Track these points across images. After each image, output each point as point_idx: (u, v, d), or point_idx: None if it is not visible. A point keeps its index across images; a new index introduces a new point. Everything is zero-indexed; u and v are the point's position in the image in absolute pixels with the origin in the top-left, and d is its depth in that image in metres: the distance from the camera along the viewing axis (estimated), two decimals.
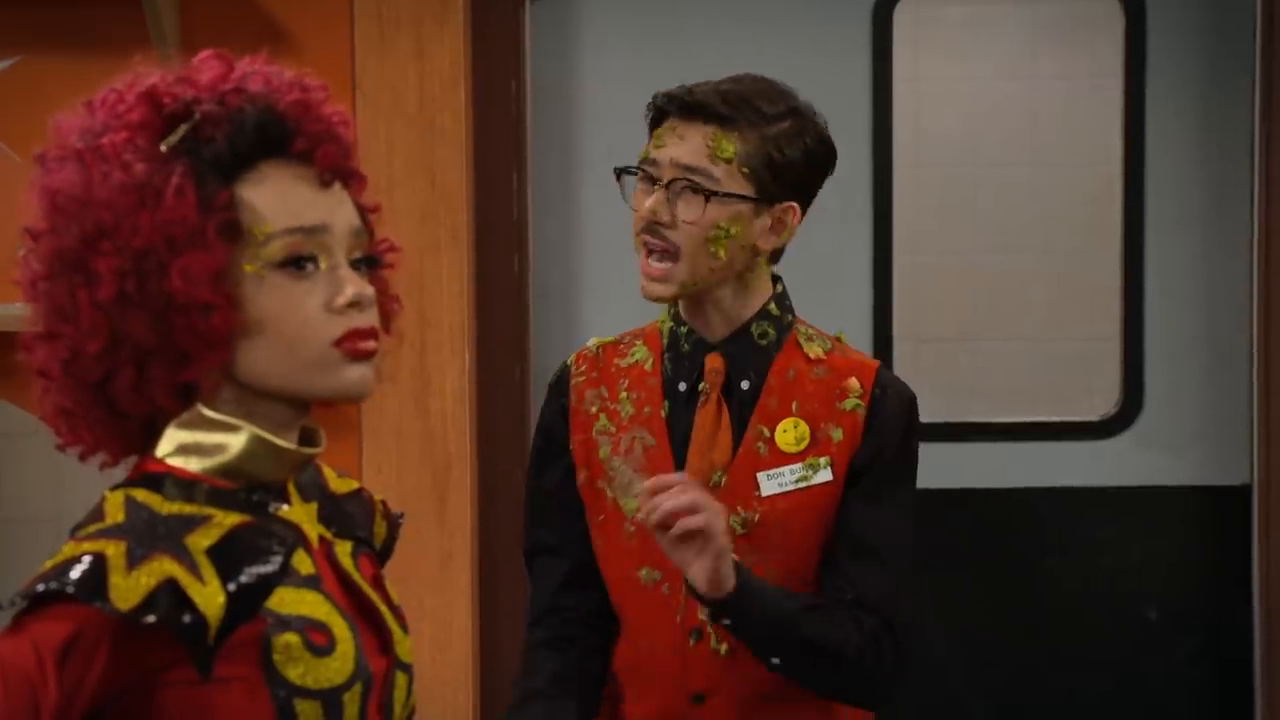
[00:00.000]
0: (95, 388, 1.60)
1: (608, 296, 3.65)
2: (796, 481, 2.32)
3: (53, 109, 3.50)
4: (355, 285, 1.61)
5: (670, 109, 2.33)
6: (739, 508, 2.31)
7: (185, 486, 1.60)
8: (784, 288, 2.41)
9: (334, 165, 1.62)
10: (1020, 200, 3.89)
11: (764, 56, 3.65)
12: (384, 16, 3.45)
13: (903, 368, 3.69)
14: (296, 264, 1.59)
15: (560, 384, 2.45)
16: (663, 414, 2.37)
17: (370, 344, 1.61)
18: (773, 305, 2.38)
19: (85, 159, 1.58)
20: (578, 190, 3.68)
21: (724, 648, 2.33)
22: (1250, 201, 3.65)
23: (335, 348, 1.60)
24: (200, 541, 1.57)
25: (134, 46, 3.30)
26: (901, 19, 3.69)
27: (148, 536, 1.54)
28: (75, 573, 1.51)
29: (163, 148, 1.57)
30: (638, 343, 2.43)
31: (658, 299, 2.35)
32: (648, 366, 2.40)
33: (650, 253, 2.32)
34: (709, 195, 2.29)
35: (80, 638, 1.51)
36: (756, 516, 2.32)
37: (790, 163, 2.33)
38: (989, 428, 3.75)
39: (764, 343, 2.37)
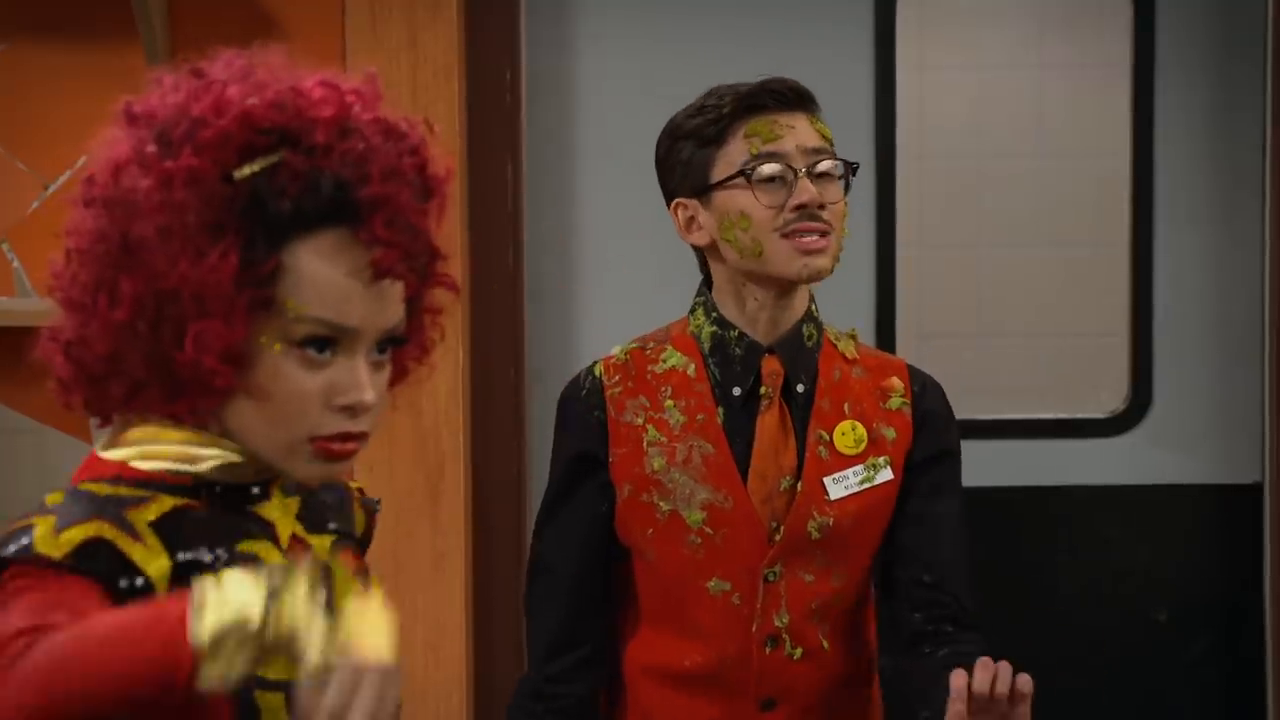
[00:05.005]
0: (90, 380, 1.57)
1: (604, 292, 3.62)
2: (861, 483, 2.35)
3: (38, 97, 3.46)
4: (357, 391, 1.56)
5: (767, 102, 2.33)
6: (815, 513, 2.33)
7: (136, 483, 1.57)
8: (812, 288, 2.43)
9: (390, 270, 1.56)
10: (1026, 193, 3.87)
11: (765, 45, 3.63)
12: (376, 5, 3.42)
13: None
14: (317, 346, 1.55)
15: (592, 396, 2.39)
16: (719, 420, 2.35)
17: (350, 446, 1.57)
18: (813, 306, 2.40)
19: (153, 165, 1.52)
20: (574, 183, 3.64)
21: (799, 652, 2.35)
22: (1261, 193, 3.61)
23: (310, 442, 1.56)
24: (143, 515, 1.54)
25: (120, 35, 3.32)
26: (906, 7, 3.65)
27: (81, 510, 1.52)
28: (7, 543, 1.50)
29: (235, 176, 1.51)
30: (668, 347, 2.40)
31: (819, 274, 2.33)
32: (690, 372, 2.37)
33: (800, 234, 2.31)
34: (855, 172, 2.37)
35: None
36: (830, 521, 2.34)
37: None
38: (995, 425, 3.72)
39: (810, 344, 2.39)
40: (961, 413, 3.72)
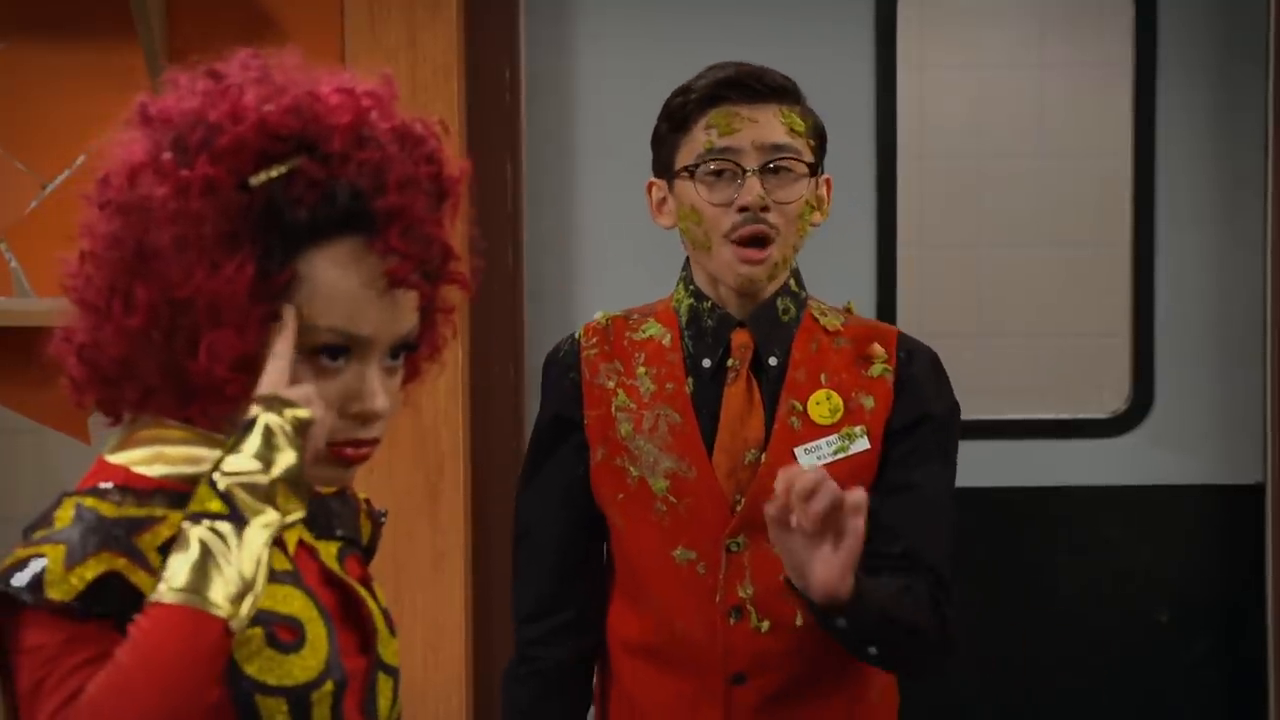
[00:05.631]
0: (104, 383, 1.57)
1: (604, 292, 3.60)
2: (834, 453, 2.31)
3: (36, 97, 3.45)
4: (369, 399, 1.57)
5: (730, 94, 2.30)
6: None
7: (141, 496, 1.56)
8: (797, 264, 2.40)
9: (404, 281, 1.56)
10: (1027, 193, 3.86)
11: (765, 45, 3.61)
12: (375, 5, 3.41)
13: None
14: (330, 354, 1.55)
15: (569, 357, 2.41)
16: (687, 391, 2.34)
17: (363, 451, 1.58)
18: (792, 281, 2.37)
19: (169, 173, 1.52)
20: (573, 183, 3.63)
21: (765, 625, 2.31)
22: (1263, 194, 3.59)
23: (325, 447, 1.57)
24: (151, 541, 1.53)
25: (118, 35, 3.31)
26: (907, 7, 3.64)
27: (91, 538, 1.51)
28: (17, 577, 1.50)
29: (251, 183, 1.51)
30: (649, 319, 2.40)
31: (752, 284, 2.31)
32: (665, 342, 2.37)
33: (745, 241, 2.29)
34: (813, 171, 2.31)
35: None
36: None
37: (824, 131, 2.37)
38: (995, 425, 3.70)
39: (786, 318, 2.35)
40: (962, 413, 3.74)
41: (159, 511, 1.55)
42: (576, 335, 2.42)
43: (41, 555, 1.50)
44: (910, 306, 3.71)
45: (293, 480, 1.50)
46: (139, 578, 1.51)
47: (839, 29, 3.63)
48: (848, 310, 2.43)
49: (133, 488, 1.56)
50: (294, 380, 1.54)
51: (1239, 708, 3.70)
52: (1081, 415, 3.74)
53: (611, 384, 2.37)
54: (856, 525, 2.01)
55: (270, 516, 1.49)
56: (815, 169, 2.33)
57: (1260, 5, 3.59)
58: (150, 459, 1.58)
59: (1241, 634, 3.68)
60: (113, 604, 1.49)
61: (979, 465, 3.67)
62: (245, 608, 1.47)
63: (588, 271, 3.64)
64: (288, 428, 1.50)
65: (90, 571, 1.49)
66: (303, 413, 1.51)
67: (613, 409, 2.36)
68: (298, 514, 1.51)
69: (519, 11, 3.55)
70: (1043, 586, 3.71)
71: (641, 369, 2.36)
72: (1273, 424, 3.59)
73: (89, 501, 1.54)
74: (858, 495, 2.01)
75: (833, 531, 2.02)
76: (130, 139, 1.56)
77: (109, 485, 1.56)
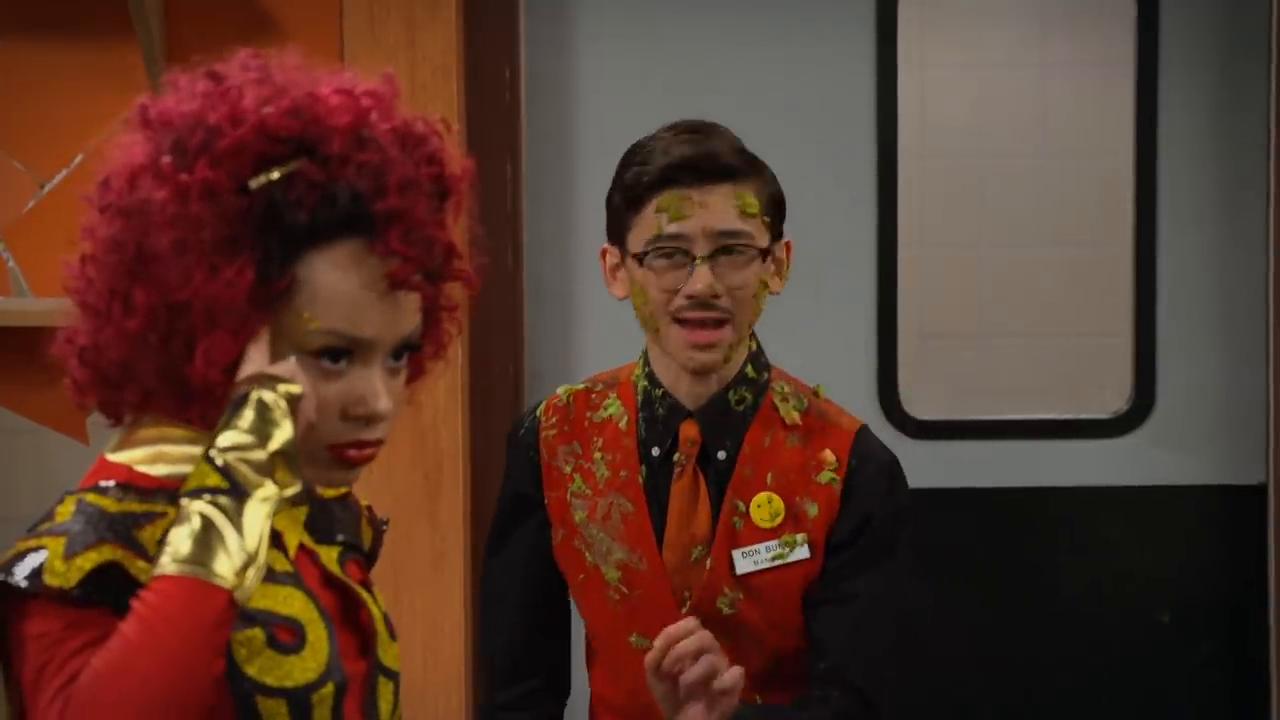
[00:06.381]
0: (105, 385, 1.58)
1: (603, 292, 3.57)
2: (772, 559, 2.25)
3: (34, 96, 3.44)
4: (373, 400, 1.56)
5: (682, 176, 2.24)
6: (725, 589, 2.26)
7: (143, 494, 1.56)
8: (759, 344, 2.34)
9: (405, 283, 1.56)
10: (1029, 192, 3.86)
11: (765, 44, 3.62)
12: (374, 4, 3.41)
13: (908, 364, 3.65)
14: (331, 356, 1.55)
15: (528, 436, 2.38)
16: (640, 479, 2.30)
17: (367, 452, 1.59)
18: (749, 368, 2.31)
19: (168, 177, 1.52)
20: (573, 183, 3.63)
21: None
22: (1265, 193, 3.60)
23: (329, 449, 1.57)
24: (152, 534, 1.53)
25: (116, 34, 3.30)
26: (907, 6, 3.64)
27: (91, 531, 1.52)
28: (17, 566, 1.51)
29: (251, 185, 1.51)
30: (611, 394, 2.36)
31: (706, 369, 2.26)
32: (622, 425, 2.33)
33: (694, 324, 2.23)
34: (765, 256, 2.25)
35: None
36: (741, 597, 2.26)
37: (782, 199, 2.31)
38: (996, 425, 3.70)
39: (740, 408, 2.30)
40: (962, 413, 3.75)
41: (160, 508, 1.55)
42: (538, 412, 2.38)
43: (42, 547, 1.50)
44: (910, 306, 3.71)
45: (289, 454, 1.51)
46: (139, 568, 1.51)
47: (839, 29, 3.62)
48: (815, 393, 2.35)
49: (135, 486, 1.56)
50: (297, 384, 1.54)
51: (1241, 709, 3.70)
52: (1083, 415, 3.73)
53: (569, 469, 2.33)
54: (727, 703, 2.01)
55: (269, 490, 1.50)
56: (769, 248, 2.26)
57: (1262, 5, 3.59)
58: (152, 458, 1.58)
59: (1244, 635, 3.68)
60: (112, 593, 1.49)
61: (979, 465, 3.68)
62: (249, 579, 1.48)
63: (588, 271, 3.63)
64: (281, 402, 1.51)
65: (89, 561, 1.50)
66: (294, 387, 1.52)
67: (569, 494, 2.33)
68: (294, 489, 1.52)
69: (519, 11, 3.55)
70: (1043, 587, 3.71)
71: (598, 453, 2.32)
72: (1275, 424, 3.59)
73: (90, 497, 1.55)
74: (732, 678, 2.00)
75: (706, 696, 2.01)
76: (130, 141, 1.57)
77: (110, 483, 1.56)
